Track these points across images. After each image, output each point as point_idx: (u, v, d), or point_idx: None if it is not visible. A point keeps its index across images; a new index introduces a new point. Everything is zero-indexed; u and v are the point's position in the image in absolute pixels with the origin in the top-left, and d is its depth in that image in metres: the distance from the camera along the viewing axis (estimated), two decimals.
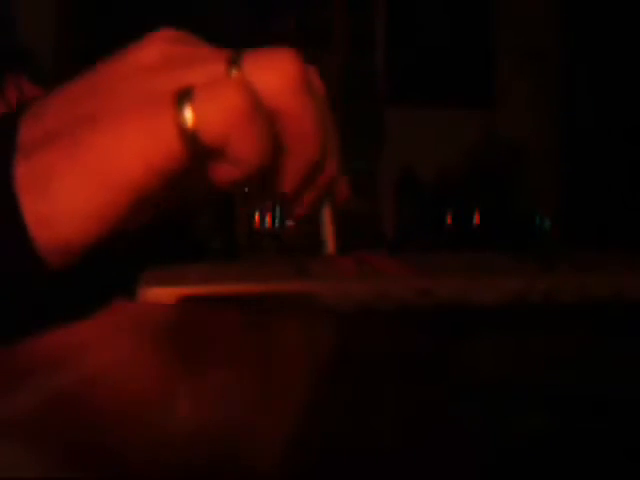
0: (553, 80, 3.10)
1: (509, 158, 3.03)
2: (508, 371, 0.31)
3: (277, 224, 3.12)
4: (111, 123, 0.33)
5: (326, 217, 0.49)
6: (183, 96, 0.33)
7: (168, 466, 0.21)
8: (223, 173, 0.36)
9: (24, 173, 0.33)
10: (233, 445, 0.22)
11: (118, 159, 0.33)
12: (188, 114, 0.32)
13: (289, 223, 2.98)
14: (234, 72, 0.35)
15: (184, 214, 0.35)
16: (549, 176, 3.08)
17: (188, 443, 0.23)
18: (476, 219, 2.89)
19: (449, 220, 2.92)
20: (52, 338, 0.39)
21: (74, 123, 0.33)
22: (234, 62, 0.35)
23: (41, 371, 0.31)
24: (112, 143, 0.32)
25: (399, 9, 3.16)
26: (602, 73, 2.92)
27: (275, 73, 0.37)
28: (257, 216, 3.04)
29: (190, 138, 0.33)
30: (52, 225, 0.34)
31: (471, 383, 0.29)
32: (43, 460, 0.22)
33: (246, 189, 0.38)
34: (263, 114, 0.35)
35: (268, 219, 3.05)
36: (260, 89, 0.35)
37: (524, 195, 3.02)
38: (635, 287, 0.46)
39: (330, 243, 0.51)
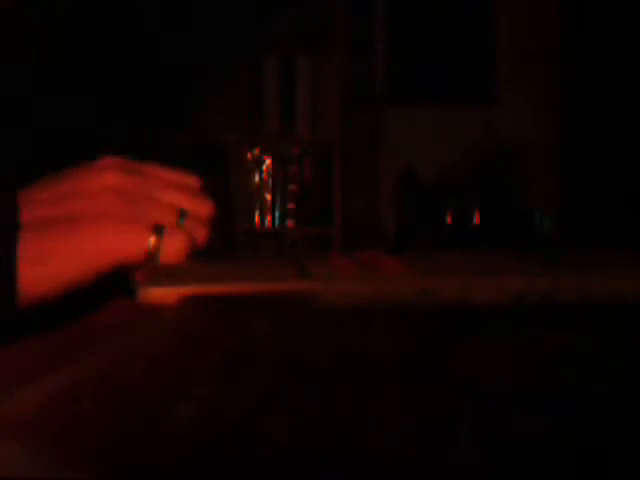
0: (553, 80, 3.10)
1: (509, 158, 3.03)
2: (508, 371, 0.31)
3: (277, 224, 3.12)
4: (98, 226, 0.47)
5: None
6: (156, 230, 0.48)
7: (168, 465, 0.21)
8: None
9: (31, 247, 0.46)
10: (233, 445, 0.22)
11: (100, 253, 0.47)
12: (154, 243, 0.48)
13: (289, 223, 2.98)
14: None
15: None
16: (549, 175, 3.07)
17: (188, 443, 0.23)
18: (476, 219, 2.89)
19: (449, 220, 2.91)
20: (52, 338, 0.39)
21: (68, 215, 0.48)
22: (181, 214, 0.50)
23: (42, 371, 0.31)
24: (97, 241, 0.47)
25: (399, 9, 3.16)
26: (602, 73, 2.92)
27: (198, 233, 0.51)
28: (257, 216, 3.04)
29: (147, 254, 0.47)
30: (42, 284, 0.47)
31: (471, 383, 0.29)
32: (43, 460, 0.22)
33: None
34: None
35: (268, 219, 3.05)
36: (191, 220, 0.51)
37: (524, 195, 3.01)
38: (635, 287, 0.46)
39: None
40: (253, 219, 2.99)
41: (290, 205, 3.01)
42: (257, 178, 3.00)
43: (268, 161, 2.99)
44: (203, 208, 0.52)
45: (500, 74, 3.13)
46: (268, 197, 3.02)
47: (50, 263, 0.47)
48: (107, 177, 0.50)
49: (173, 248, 0.48)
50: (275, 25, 2.97)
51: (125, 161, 0.52)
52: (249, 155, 2.96)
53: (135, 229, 0.48)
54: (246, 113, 2.91)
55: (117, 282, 0.48)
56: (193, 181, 0.54)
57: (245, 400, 0.27)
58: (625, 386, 0.29)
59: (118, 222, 0.48)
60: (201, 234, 0.50)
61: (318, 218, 2.99)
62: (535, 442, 0.23)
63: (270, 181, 3.00)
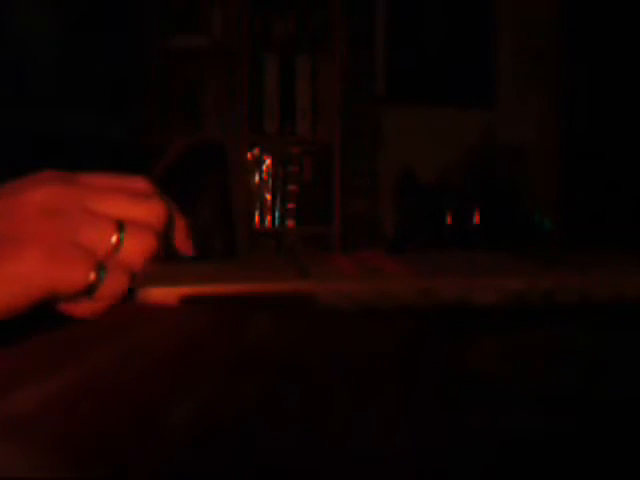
0: (553, 80, 3.10)
1: (509, 158, 3.03)
2: (508, 371, 0.31)
3: (277, 224, 3.12)
4: (27, 255, 0.42)
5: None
6: (96, 267, 0.43)
7: (168, 466, 0.21)
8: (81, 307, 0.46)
9: None
10: (233, 445, 0.22)
11: (27, 285, 0.42)
12: (93, 278, 0.43)
13: (289, 223, 2.98)
14: (114, 239, 0.45)
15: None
16: (549, 176, 3.08)
17: (188, 443, 0.23)
18: (476, 219, 2.89)
19: (449, 220, 2.92)
20: (52, 338, 0.39)
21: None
22: (120, 230, 0.45)
23: (41, 371, 0.31)
24: (25, 272, 0.42)
25: (399, 9, 3.16)
26: (602, 73, 2.92)
27: (143, 248, 0.46)
28: (257, 216, 3.04)
29: (86, 288, 0.43)
30: None
31: (471, 383, 0.29)
32: (42, 460, 0.22)
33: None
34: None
35: (268, 219, 3.06)
36: (130, 257, 0.46)
37: (524, 195, 3.02)
38: (635, 287, 0.46)
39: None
40: (253, 219, 3.00)
41: (290, 205, 3.02)
42: (257, 178, 3.00)
43: (268, 161, 2.99)
44: (150, 213, 0.47)
45: (500, 74, 3.13)
46: (268, 197, 3.02)
47: None
48: (39, 194, 0.45)
49: (112, 287, 0.44)
50: (275, 25, 2.96)
51: (61, 174, 0.47)
52: (249, 155, 2.96)
53: (71, 262, 0.43)
54: (246, 113, 2.91)
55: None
56: (140, 185, 0.49)
57: (245, 400, 0.27)
58: (625, 386, 0.29)
59: (51, 251, 0.43)
60: (147, 244, 0.45)
61: (318, 218, 3.00)
62: (535, 442, 0.23)
63: (270, 181, 3.01)
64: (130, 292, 0.46)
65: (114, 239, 0.45)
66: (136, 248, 0.45)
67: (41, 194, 0.45)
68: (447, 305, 0.45)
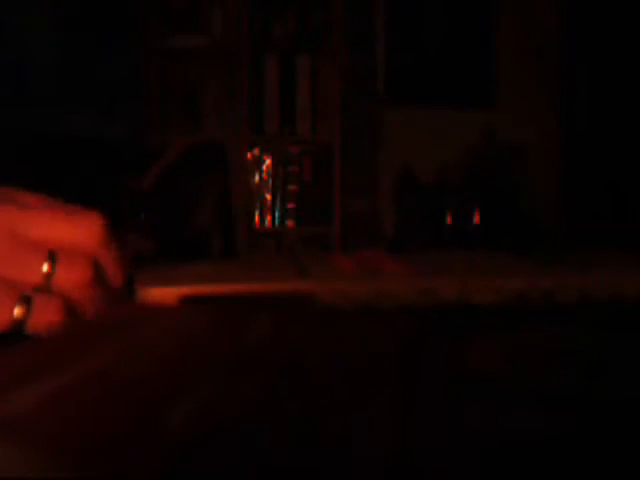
0: (553, 80, 3.10)
1: (509, 158, 3.03)
2: (508, 371, 0.31)
3: (277, 224, 3.12)
4: None
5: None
6: (19, 299, 0.41)
7: (167, 466, 0.21)
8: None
9: None
10: (233, 445, 0.22)
11: None
12: (19, 312, 0.40)
13: (289, 223, 2.98)
14: (47, 271, 0.42)
15: None
16: (549, 175, 3.08)
17: (188, 443, 0.23)
18: (476, 219, 2.89)
19: (449, 220, 2.92)
20: (52, 338, 0.39)
21: None
22: (50, 261, 0.42)
23: (41, 371, 0.31)
24: None
25: (399, 9, 3.16)
26: (602, 73, 2.92)
27: (75, 276, 0.43)
28: (257, 216, 3.04)
29: (15, 322, 0.41)
30: None
31: (471, 383, 0.29)
32: (41, 460, 0.22)
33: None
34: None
35: (268, 219, 3.05)
36: (63, 286, 0.43)
37: (524, 195, 3.02)
38: (635, 287, 0.46)
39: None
40: (253, 219, 3.00)
41: (290, 205, 3.02)
42: (257, 178, 3.00)
43: (268, 161, 2.99)
44: (86, 234, 0.43)
45: (500, 74, 3.13)
46: (268, 197, 3.02)
47: None
48: None
49: (43, 319, 0.41)
50: (275, 25, 2.96)
51: None
52: (249, 155, 2.96)
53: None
54: (246, 113, 2.91)
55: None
56: (88, 218, 0.44)
57: (245, 400, 0.27)
58: (625, 386, 0.29)
59: None
60: (81, 272, 0.42)
61: (318, 218, 3.00)
62: (535, 442, 0.23)
63: (270, 181, 3.01)
64: (130, 292, 0.46)
65: (45, 269, 0.42)
66: (69, 276, 0.42)
67: None
68: (447, 305, 0.45)
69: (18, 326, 0.40)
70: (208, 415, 0.25)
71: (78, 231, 0.43)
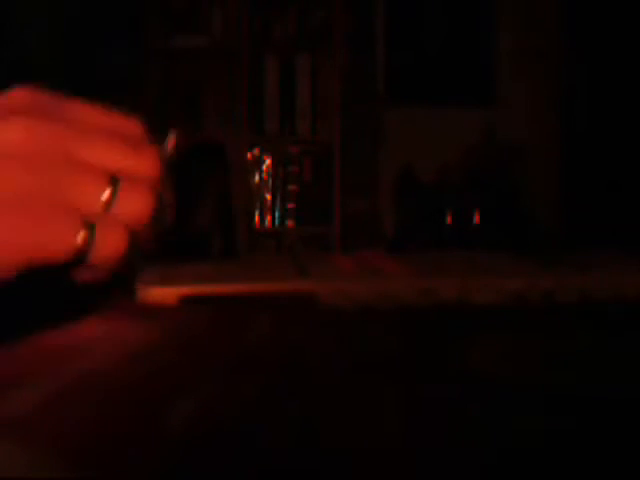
0: (553, 80, 3.10)
1: (509, 158, 3.03)
2: (508, 371, 0.31)
3: (277, 224, 3.12)
4: (5, 219, 0.36)
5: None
6: (82, 224, 0.37)
7: (167, 466, 0.21)
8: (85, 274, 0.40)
9: None
10: (233, 445, 0.22)
11: (10, 250, 0.37)
12: (83, 238, 0.37)
13: (289, 223, 2.98)
14: (106, 195, 0.39)
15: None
16: (549, 175, 3.08)
17: (188, 443, 0.23)
18: (476, 219, 2.89)
19: (449, 220, 2.92)
20: (52, 338, 0.39)
21: None
22: (112, 185, 0.39)
23: (41, 371, 0.31)
24: (6, 237, 0.36)
25: (399, 9, 3.16)
26: (602, 73, 2.92)
27: (139, 205, 0.40)
28: (257, 216, 3.04)
29: (73, 251, 0.37)
30: None
31: (471, 383, 0.29)
32: (40, 460, 0.22)
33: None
34: (131, 244, 0.39)
35: (268, 219, 3.05)
36: (125, 210, 0.40)
37: (524, 195, 3.02)
38: (635, 287, 0.46)
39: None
40: (253, 219, 2.99)
41: (290, 205, 3.01)
42: (257, 178, 3.00)
43: (268, 161, 2.99)
44: (145, 165, 0.40)
45: (500, 74, 3.13)
46: (268, 197, 3.02)
47: None
48: (12, 131, 0.37)
49: (108, 246, 0.37)
50: (275, 25, 2.96)
51: (40, 98, 0.39)
52: (249, 155, 2.96)
53: (56, 223, 0.37)
54: (246, 113, 2.91)
55: (116, 282, 0.47)
56: (132, 127, 0.41)
57: (245, 400, 0.27)
58: (625, 386, 0.29)
59: (32, 212, 0.36)
60: (144, 200, 0.39)
61: (318, 218, 3.00)
62: (535, 442, 0.23)
63: (270, 181, 3.01)
64: (131, 293, 0.46)
65: (105, 195, 0.38)
66: (132, 205, 0.39)
67: (17, 133, 0.37)
68: (447, 305, 0.45)
69: (81, 255, 0.37)
70: (208, 415, 0.25)
71: (138, 160, 0.40)
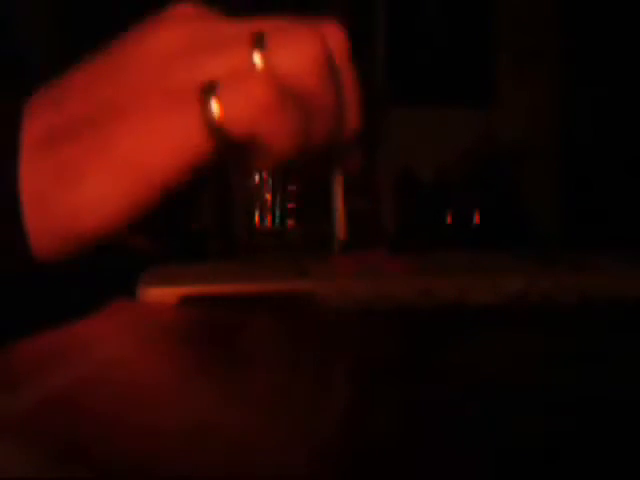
0: (553, 80, 3.10)
1: (508, 158, 3.03)
2: (508, 371, 0.31)
3: (277, 224, 3.12)
4: (137, 117, 0.32)
5: (337, 194, 0.47)
6: (208, 91, 0.32)
7: (167, 466, 0.21)
8: (257, 162, 0.36)
9: (51, 165, 0.32)
10: (233, 444, 0.22)
11: (148, 156, 0.32)
12: (215, 109, 0.32)
13: (289, 222, 2.98)
14: (257, 58, 0.35)
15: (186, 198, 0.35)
16: (549, 175, 3.07)
17: (187, 443, 0.23)
18: (476, 219, 2.89)
19: (449, 220, 2.91)
20: (52, 338, 0.39)
21: (97, 112, 0.33)
22: (258, 45, 0.35)
23: (41, 371, 0.31)
24: (140, 139, 0.32)
25: (399, 9, 3.16)
26: (602, 73, 2.92)
27: (297, 57, 0.37)
28: (257, 216, 3.03)
29: (218, 133, 0.33)
30: (79, 216, 0.33)
31: (471, 383, 0.29)
32: (40, 460, 0.22)
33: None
34: (289, 102, 0.34)
35: (268, 219, 3.05)
36: (284, 72, 0.36)
37: (524, 195, 3.02)
38: (635, 287, 0.46)
39: (340, 226, 0.49)
40: (253, 219, 2.99)
41: (290, 205, 3.02)
42: (257, 178, 3.00)
43: None
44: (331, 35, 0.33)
45: (500, 74, 3.13)
46: (268, 197, 3.02)
47: (82, 182, 0.31)
48: (165, 37, 0.34)
49: (246, 103, 0.31)
50: None
51: (198, 9, 0.37)
52: None
53: (186, 100, 0.31)
54: None
55: (118, 281, 0.48)
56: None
57: (244, 400, 0.27)
58: (625, 386, 0.29)
59: (165, 105, 0.32)
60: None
61: (318, 218, 2.99)
62: (535, 442, 0.23)
63: (270, 181, 3.01)
64: (131, 292, 0.46)
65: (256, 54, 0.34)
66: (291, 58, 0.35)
67: (167, 34, 0.35)
68: (447, 305, 0.45)
69: (220, 134, 0.32)
70: (207, 415, 0.25)
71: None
